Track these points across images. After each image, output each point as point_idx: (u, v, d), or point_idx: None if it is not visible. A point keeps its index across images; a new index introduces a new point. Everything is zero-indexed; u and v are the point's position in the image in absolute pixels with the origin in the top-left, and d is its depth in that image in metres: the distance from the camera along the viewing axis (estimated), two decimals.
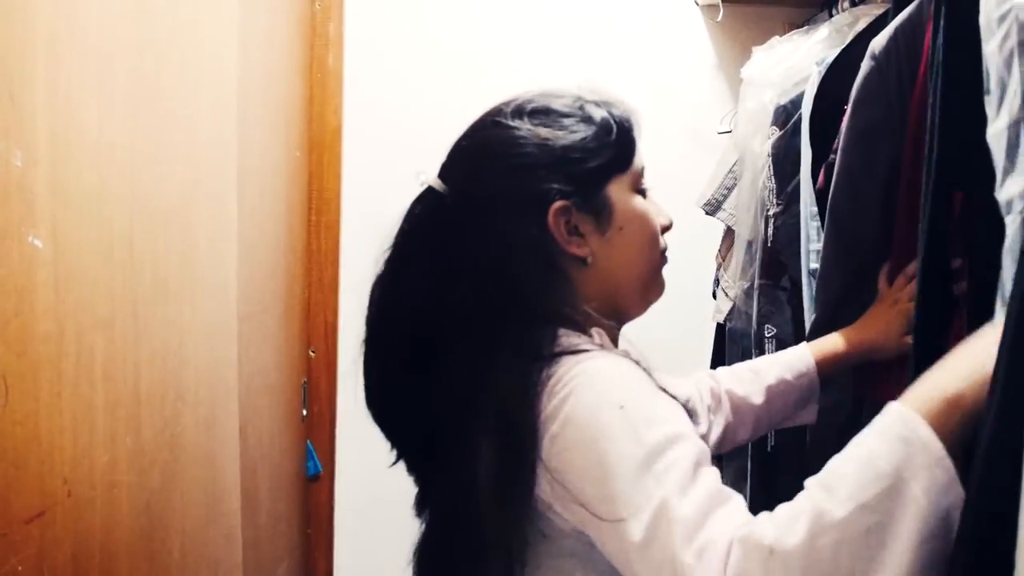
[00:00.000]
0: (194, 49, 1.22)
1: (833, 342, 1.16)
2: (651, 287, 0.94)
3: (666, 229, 0.94)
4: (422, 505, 0.95)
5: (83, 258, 0.92)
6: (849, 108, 1.14)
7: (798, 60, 1.52)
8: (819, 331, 1.20)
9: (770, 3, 2.07)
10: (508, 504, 0.79)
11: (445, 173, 0.91)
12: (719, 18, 2.06)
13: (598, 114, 0.89)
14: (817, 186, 1.29)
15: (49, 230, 0.85)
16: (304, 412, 2.09)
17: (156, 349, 1.09)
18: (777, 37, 1.69)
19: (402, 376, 0.91)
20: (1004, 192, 0.67)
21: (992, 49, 0.68)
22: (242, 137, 1.41)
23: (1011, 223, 0.66)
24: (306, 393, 2.10)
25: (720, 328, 1.85)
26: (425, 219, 0.90)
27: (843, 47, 1.35)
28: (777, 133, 1.46)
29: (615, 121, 0.90)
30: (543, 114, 0.89)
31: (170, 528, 1.15)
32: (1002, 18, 0.67)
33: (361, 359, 0.93)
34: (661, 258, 0.94)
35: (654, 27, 2.18)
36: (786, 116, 1.47)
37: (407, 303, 0.89)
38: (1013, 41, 0.66)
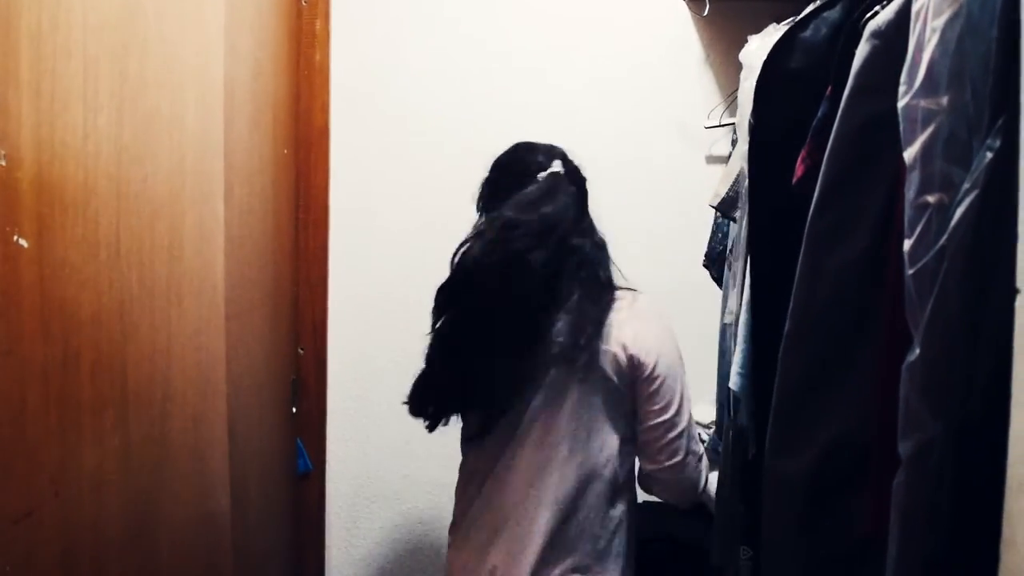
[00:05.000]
0: (180, 47, 1.22)
1: None
2: None
3: None
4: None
5: (69, 258, 0.92)
6: (844, 101, 0.95)
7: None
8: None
9: None
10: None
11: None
12: (705, 12, 2.06)
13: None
14: (795, 177, 1.10)
15: (34, 230, 0.85)
16: (293, 410, 2.09)
17: (143, 348, 1.09)
18: (774, 25, 1.67)
19: None
20: None
21: None
22: (229, 135, 1.40)
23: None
24: (295, 391, 2.10)
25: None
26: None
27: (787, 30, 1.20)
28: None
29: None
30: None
31: (159, 527, 1.15)
32: None
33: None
34: None
35: (640, 22, 2.18)
36: None
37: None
38: None
